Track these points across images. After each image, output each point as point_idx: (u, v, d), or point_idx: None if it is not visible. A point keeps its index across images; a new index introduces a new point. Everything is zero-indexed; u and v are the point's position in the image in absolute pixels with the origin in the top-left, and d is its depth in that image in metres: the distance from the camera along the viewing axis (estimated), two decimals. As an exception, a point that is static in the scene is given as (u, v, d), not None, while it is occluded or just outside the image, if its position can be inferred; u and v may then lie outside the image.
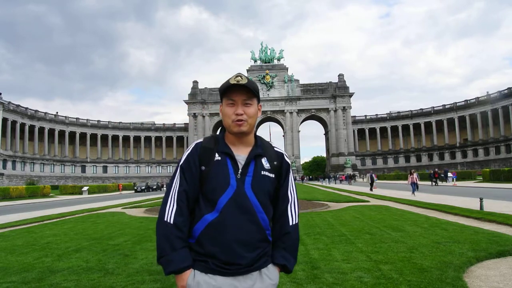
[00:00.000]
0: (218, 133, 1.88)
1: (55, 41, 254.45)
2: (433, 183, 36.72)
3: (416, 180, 23.13)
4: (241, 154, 1.75)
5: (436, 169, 41.14)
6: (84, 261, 6.25)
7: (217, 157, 1.72)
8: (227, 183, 1.68)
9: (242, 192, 1.67)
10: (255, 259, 1.67)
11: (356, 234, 8.05)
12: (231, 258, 1.63)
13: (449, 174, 43.96)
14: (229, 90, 1.73)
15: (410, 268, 5.05)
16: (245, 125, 1.73)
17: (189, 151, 1.76)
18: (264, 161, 1.77)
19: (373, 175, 30.33)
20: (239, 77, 1.72)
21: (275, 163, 1.79)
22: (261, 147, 1.80)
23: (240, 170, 1.71)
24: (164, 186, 55.43)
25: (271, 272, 1.75)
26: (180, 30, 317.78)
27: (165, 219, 1.67)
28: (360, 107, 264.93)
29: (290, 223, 1.81)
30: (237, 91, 1.72)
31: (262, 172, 1.73)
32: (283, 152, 1.87)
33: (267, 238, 1.74)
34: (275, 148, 1.87)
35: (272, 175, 1.76)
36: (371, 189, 27.98)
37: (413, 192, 22.17)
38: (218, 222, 1.65)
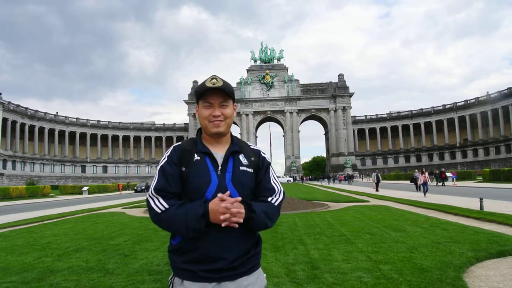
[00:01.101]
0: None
1: (55, 42, 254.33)
2: (439, 183, 35.76)
3: (428, 180, 21.86)
4: (219, 152, 1.80)
5: (443, 169, 39.62)
6: (84, 261, 6.25)
7: (196, 157, 1.77)
8: (209, 179, 1.71)
9: (224, 187, 1.70)
10: (240, 258, 1.69)
11: (356, 234, 8.05)
12: (215, 253, 1.65)
13: (449, 174, 44.09)
14: (205, 93, 1.78)
15: (410, 268, 5.05)
16: (223, 125, 1.78)
17: (168, 153, 1.81)
18: (241, 157, 1.82)
19: (379, 174, 29.81)
20: (215, 80, 1.77)
21: (252, 159, 1.84)
22: (237, 145, 1.86)
23: (219, 167, 1.75)
24: None
25: (261, 279, 1.78)
26: (179, 30, 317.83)
27: (158, 210, 1.69)
28: (360, 107, 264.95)
29: (275, 192, 1.82)
30: (213, 93, 1.78)
31: (240, 167, 1.78)
32: (259, 148, 1.94)
33: (253, 233, 1.78)
34: (251, 146, 1.93)
35: (250, 170, 1.80)
36: (376, 190, 27.20)
37: (424, 193, 20.42)
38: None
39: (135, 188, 55.38)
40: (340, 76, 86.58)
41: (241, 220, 1.62)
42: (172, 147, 1.84)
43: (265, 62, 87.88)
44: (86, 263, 6.06)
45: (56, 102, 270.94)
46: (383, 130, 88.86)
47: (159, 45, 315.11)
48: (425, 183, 21.34)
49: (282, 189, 1.89)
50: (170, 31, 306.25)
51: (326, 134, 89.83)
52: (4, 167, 63.76)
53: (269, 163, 1.92)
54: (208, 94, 1.78)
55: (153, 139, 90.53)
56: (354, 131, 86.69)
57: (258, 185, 1.84)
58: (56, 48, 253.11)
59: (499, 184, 32.94)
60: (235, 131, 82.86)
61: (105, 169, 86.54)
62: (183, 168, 1.74)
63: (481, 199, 12.43)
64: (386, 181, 55.03)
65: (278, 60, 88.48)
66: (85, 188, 48.76)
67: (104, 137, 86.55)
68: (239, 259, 1.68)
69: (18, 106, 69.06)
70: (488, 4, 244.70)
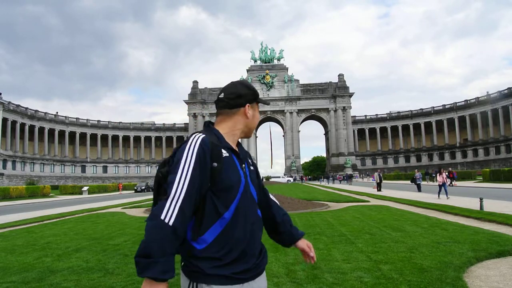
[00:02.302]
0: (204, 128, 1.78)
1: (54, 42, 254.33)
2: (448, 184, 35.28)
3: (446, 181, 19.27)
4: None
5: (450, 169, 38.07)
6: (84, 261, 6.25)
7: (225, 153, 1.66)
8: (240, 179, 1.67)
9: (248, 186, 1.71)
10: (260, 254, 1.73)
11: (356, 234, 8.05)
12: (247, 252, 1.62)
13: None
14: (260, 99, 1.85)
15: (410, 268, 5.05)
16: (251, 133, 1.90)
17: (198, 145, 1.58)
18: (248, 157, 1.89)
19: (381, 174, 29.42)
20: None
21: (252, 161, 1.91)
22: (241, 145, 1.90)
23: (243, 165, 1.75)
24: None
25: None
26: (178, 31, 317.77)
27: (163, 217, 1.46)
28: (360, 107, 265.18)
29: (281, 206, 2.03)
30: (262, 105, 1.92)
31: (251, 167, 1.83)
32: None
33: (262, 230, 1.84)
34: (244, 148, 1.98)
35: (255, 170, 1.87)
36: (379, 189, 26.88)
37: (446, 195, 17.96)
38: (235, 219, 1.60)
39: (135, 188, 55.41)
40: (340, 76, 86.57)
41: None
42: (198, 138, 1.61)
43: (265, 62, 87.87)
44: (86, 263, 6.06)
45: (55, 102, 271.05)
46: (383, 130, 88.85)
47: (158, 45, 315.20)
48: (444, 184, 18.65)
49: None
50: (169, 32, 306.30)
51: (326, 134, 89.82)
52: (4, 167, 63.76)
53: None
54: (261, 102, 1.87)
55: (153, 139, 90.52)
56: (354, 131, 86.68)
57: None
58: (55, 48, 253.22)
59: (499, 184, 32.94)
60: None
61: (105, 169, 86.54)
62: (215, 164, 1.59)
63: (481, 199, 12.43)
64: (386, 181, 54.94)
65: (278, 60, 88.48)
66: (85, 188, 48.77)
67: (104, 137, 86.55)
68: (261, 256, 1.72)
69: (18, 106, 69.06)
70: (487, 4, 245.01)
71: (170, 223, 1.45)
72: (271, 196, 2.01)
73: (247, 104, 1.78)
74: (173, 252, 1.48)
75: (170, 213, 1.47)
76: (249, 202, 1.69)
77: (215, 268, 1.53)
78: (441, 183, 18.81)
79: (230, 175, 1.62)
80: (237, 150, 1.76)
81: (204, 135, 1.64)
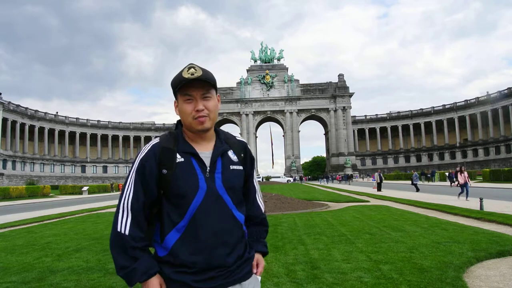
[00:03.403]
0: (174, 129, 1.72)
1: (53, 42, 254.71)
2: (453, 183, 32.74)
3: (468, 180, 17.63)
4: (205, 151, 1.62)
5: (457, 168, 36.81)
6: (84, 261, 6.25)
7: (179, 158, 1.56)
8: (196, 186, 1.53)
9: (214, 192, 1.54)
10: (237, 262, 1.58)
11: (356, 234, 8.05)
12: (214, 262, 1.51)
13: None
14: (184, 85, 1.56)
15: (410, 268, 5.04)
16: (208, 121, 1.59)
17: (144, 153, 1.57)
18: (231, 154, 1.66)
19: (381, 174, 29.25)
20: (193, 69, 1.55)
21: (242, 155, 1.69)
22: (225, 141, 1.68)
23: (208, 169, 1.57)
24: None
25: (254, 285, 1.65)
26: (177, 31, 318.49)
27: (119, 230, 1.51)
28: (359, 107, 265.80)
29: (263, 211, 1.82)
30: (193, 85, 1.55)
31: (231, 166, 1.62)
32: (245, 141, 1.78)
33: (244, 234, 1.67)
34: (238, 138, 1.76)
35: (240, 168, 1.66)
36: (379, 189, 26.77)
37: (466, 197, 16.72)
38: (193, 228, 1.51)
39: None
40: (340, 76, 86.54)
41: None
42: (149, 144, 1.60)
43: (265, 62, 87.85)
44: (86, 263, 6.06)
45: (55, 102, 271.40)
46: (383, 130, 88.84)
47: (157, 46, 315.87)
48: (466, 184, 17.12)
49: (258, 186, 1.86)
50: (168, 32, 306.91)
51: (326, 134, 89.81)
52: (4, 167, 63.74)
53: (253, 157, 1.78)
54: (187, 86, 1.55)
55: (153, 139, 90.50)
56: (354, 131, 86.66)
57: (245, 183, 1.73)
58: (55, 48, 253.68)
59: (499, 184, 32.93)
60: (235, 131, 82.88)
61: (105, 169, 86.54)
62: (164, 171, 1.53)
63: (481, 199, 12.43)
64: (386, 181, 54.91)
65: (278, 60, 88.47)
66: (85, 188, 48.79)
67: (104, 137, 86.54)
68: (234, 265, 1.58)
69: (18, 106, 69.04)
70: (486, 4, 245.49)
71: (126, 232, 1.51)
72: (259, 202, 1.80)
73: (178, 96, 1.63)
74: (143, 252, 1.53)
75: (123, 223, 1.52)
76: (213, 209, 1.54)
77: (176, 274, 1.51)
78: (462, 183, 17.26)
79: (182, 182, 1.52)
80: (196, 153, 1.58)
81: (157, 141, 1.61)
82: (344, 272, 4.99)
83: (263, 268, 1.76)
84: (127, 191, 1.55)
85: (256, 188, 1.80)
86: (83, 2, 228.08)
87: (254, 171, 1.80)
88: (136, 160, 1.58)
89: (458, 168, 35.48)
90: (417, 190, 25.82)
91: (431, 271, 4.84)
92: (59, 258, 6.59)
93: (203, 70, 1.57)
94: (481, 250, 6.00)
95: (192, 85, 1.56)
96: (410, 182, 27.44)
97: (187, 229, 1.52)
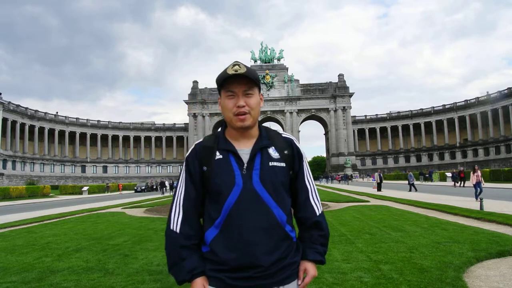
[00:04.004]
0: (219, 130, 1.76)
1: (53, 42, 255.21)
2: (457, 184, 32.20)
3: (482, 180, 16.91)
4: (244, 148, 1.62)
5: (462, 168, 34.36)
6: (84, 261, 6.25)
7: (218, 155, 1.60)
8: (232, 182, 1.55)
9: (250, 188, 1.54)
10: (276, 264, 1.53)
11: (356, 234, 8.04)
12: (247, 260, 1.50)
13: (449, 174, 44.38)
14: (227, 81, 1.58)
15: (410, 268, 5.04)
16: (248, 119, 1.59)
17: (189, 152, 1.67)
18: (272, 150, 1.63)
19: (381, 174, 29.25)
20: (237, 66, 1.57)
21: (285, 152, 1.64)
22: (266, 137, 1.66)
23: (245, 165, 1.58)
24: (154, 186, 54.91)
25: None
26: (177, 31, 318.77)
27: (171, 227, 1.60)
28: (359, 107, 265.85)
29: (317, 213, 1.70)
30: (236, 81, 1.58)
31: (270, 163, 1.59)
32: (292, 137, 1.72)
33: (288, 236, 1.59)
34: (283, 135, 1.72)
35: (282, 164, 1.62)
36: (379, 189, 26.73)
37: (477, 198, 15.56)
38: (228, 225, 1.53)
39: (135, 188, 55.41)
40: (340, 76, 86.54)
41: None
42: (193, 145, 1.68)
43: (265, 62, 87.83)
44: (86, 263, 6.06)
45: (55, 103, 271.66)
46: (383, 130, 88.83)
47: (157, 46, 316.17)
48: (478, 183, 16.45)
49: (315, 186, 1.74)
50: (168, 32, 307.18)
51: (326, 134, 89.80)
52: (4, 167, 63.72)
53: (302, 154, 1.71)
54: (230, 82, 1.58)
55: (153, 139, 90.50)
56: (354, 131, 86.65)
57: (293, 181, 1.68)
58: (55, 48, 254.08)
59: (499, 184, 32.91)
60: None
61: (105, 169, 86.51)
62: (204, 168, 1.60)
63: (481, 199, 12.43)
64: (386, 181, 54.96)
65: (278, 60, 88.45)
66: (85, 188, 48.80)
67: (104, 137, 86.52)
68: (271, 268, 1.53)
69: (18, 106, 69.04)
70: (485, 4, 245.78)
71: (178, 230, 1.59)
72: (312, 203, 1.70)
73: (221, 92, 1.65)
74: (193, 253, 1.58)
75: (175, 222, 1.60)
76: (250, 206, 1.53)
77: (212, 271, 1.55)
78: (475, 183, 16.59)
79: (219, 179, 1.56)
80: (234, 150, 1.60)
81: (200, 140, 1.69)
82: (344, 272, 4.99)
83: (311, 279, 1.62)
84: (179, 190, 1.64)
85: (309, 188, 1.71)
86: (83, 2, 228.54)
87: (306, 169, 1.72)
88: (185, 158, 1.68)
89: (461, 168, 35.10)
90: (414, 189, 25.82)
91: (431, 271, 4.84)
92: (59, 258, 6.59)
93: (247, 67, 1.59)
94: (481, 250, 6.00)
95: (234, 81, 1.58)
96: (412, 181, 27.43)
97: (223, 225, 1.55)
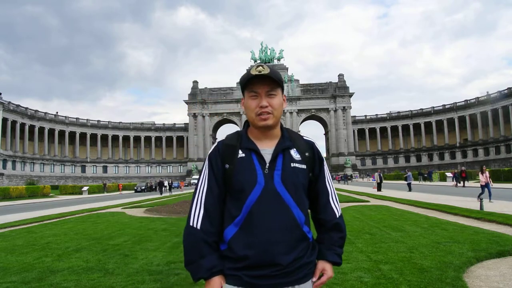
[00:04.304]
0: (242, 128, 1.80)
1: (53, 42, 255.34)
2: (459, 184, 31.69)
3: (490, 181, 16.46)
4: (266, 148, 1.64)
5: (463, 168, 33.73)
6: (84, 261, 6.25)
7: (241, 154, 1.63)
8: (254, 180, 1.57)
9: (271, 188, 1.56)
10: (294, 263, 1.54)
11: (356, 234, 8.04)
12: (266, 259, 1.51)
13: (449, 174, 44.45)
14: (250, 82, 1.62)
15: (410, 268, 5.04)
16: (271, 118, 1.61)
17: (211, 150, 1.69)
18: (293, 152, 1.65)
19: (381, 174, 29.19)
20: (261, 67, 1.60)
21: (306, 154, 1.67)
22: (289, 139, 1.68)
23: (267, 165, 1.60)
24: (154, 186, 54.76)
25: None
26: (177, 31, 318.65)
27: (191, 224, 1.60)
28: (359, 107, 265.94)
29: (337, 215, 1.71)
30: (259, 82, 1.61)
31: (292, 164, 1.62)
32: (313, 140, 1.75)
33: (306, 237, 1.61)
34: (305, 138, 1.75)
35: (303, 166, 1.64)
36: (379, 189, 26.68)
37: (490, 198, 15.49)
38: (249, 223, 1.55)
39: (135, 188, 55.39)
40: (340, 76, 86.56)
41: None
42: (215, 143, 1.71)
43: (265, 62, 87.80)
44: (86, 263, 6.06)
45: (55, 103, 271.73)
46: (383, 130, 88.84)
47: (157, 46, 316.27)
48: (487, 184, 15.91)
49: (334, 189, 1.76)
50: (168, 32, 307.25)
51: (326, 134, 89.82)
52: (4, 167, 63.74)
53: (322, 158, 1.73)
54: (254, 82, 1.61)
55: (153, 139, 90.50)
56: (354, 131, 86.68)
57: (313, 185, 1.70)
58: (55, 48, 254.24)
59: (499, 184, 32.89)
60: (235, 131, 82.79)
61: (105, 169, 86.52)
62: (227, 165, 1.62)
63: (481, 199, 12.42)
64: (386, 181, 54.96)
65: (278, 60, 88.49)
66: (85, 188, 48.78)
67: (104, 137, 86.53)
68: (288, 267, 1.54)
69: (18, 106, 69.04)
70: (485, 4, 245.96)
71: (198, 227, 1.59)
72: (332, 206, 1.72)
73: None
74: (212, 251, 1.58)
75: (196, 218, 1.61)
76: (270, 205, 1.55)
77: (230, 269, 1.56)
78: (484, 184, 15.99)
79: (241, 177, 1.58)
80: (257, 149, 1.62)
81: (223, 139, 1.72)
82: (344, 272, 4.99)
83: (327, 279, 1.62)
84: (201, 187, 1.64)
85: (329, 190, 1.73)
86: (83, 2, 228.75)
87: (327, 173, 1.74)
88: (206, 158, 1.70)
89: (463, 168, 34.79)
90: (409, 189, 25.88)
91: (431, 271, 4.84)
92: (59, 258, 6.59)
93: (270, 68, 1.61)
94: (481, 250, 6.00)
95: (258, 82, 1.61)
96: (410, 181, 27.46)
97: (243, 223, 1.56)
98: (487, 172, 16.58)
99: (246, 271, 1.53)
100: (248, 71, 1.62)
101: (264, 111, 1.60)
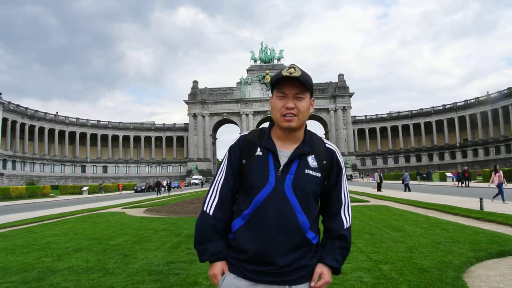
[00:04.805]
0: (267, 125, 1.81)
1: (52, 42, 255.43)
2: (462, 184, 30.90)
3: (504, 181, 15.81)
4: (285, 150, 1.66)
5: (466, 168, 32.51)
6: (84, 261, 6.25)
7: (259, 151, 1.66)
8: (266, 180, 1.60)
9: (280, 191, 1.59)
10: (290, 265, 1.57)
11: (356, 234, 8.03)
12: (264, 256, 1.56)
13: (449, 174, 44.46)
14: (280, 82, 1.63)
15: (410, 268, 5.04)
16: (295, 121, 1.62)
17: (233, 143, 1.74)
18: (310, 159, 1.65)
19: (381, 174, 29.13)
20: (292, 69, 1.60)
21: (324, 162, 1.66)
22: (309, 144, 1.68)
23: (281, 168, 1.62)
24: (152, 186, 54.44)
25: None
26: (176, 31, 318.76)
27: (205, 209, 1.69)
28: (359, 107, 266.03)
29: (345, 226, 1.70)
30: (288, 83, 1.61)
31: (306, 170, 1.63)
32: (335, 149, 1.73)
33: (309, 243, 1.62)
34: (327, 145, 1.72)
35: (318, 174, 1.64)
36: (379, 189, 26.63)
37: (504, 199, 14.81)
38: (254, 219, 1.60)
39: (135, 188, 55.35)
40: (340, 76, 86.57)
41: None
42: (237, 136, 1.77)
43: (265, 62, 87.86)
44: (86, 263, 6.05)
45: (54, 103, 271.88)
46: (383, 130, 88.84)
47: (156, 46, 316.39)
48: (500, 185, 15.11)
49: (349, 200, 1.74)
50: (167, 32, 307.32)
51: (326, 134, 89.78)
52: (4, 167, 63.75)
53: (341, 164, 1.71)
54: (283, 83, 1.62)
55: (153, 139, 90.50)
56: (354, 131, 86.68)
57: (327, 193, 1.70)
58: (54, 48, 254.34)
59: (499, 184, 32.76)
60: (235, 131, 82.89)
61: (105, 169, 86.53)
62: (244, 161, 1.67)
63: (481, 199, 12.41)
64: (386, 181, 54.97)
65: (278, 60, 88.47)
66: (85, 188, 48.76)
67: (104, 137, 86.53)
68: (285, 268, 1.57)
69: (18, 106, 69.05)
70: (484, 4, 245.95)
71: (211, 213, 1.67)
72: (343, 217, 1.71)
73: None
74: (220, 237, 1.66)
75: (210, 204, 1.69)
76: (277, 207, 1.57)
77: (232, 258, 1.64)
78: (498, 183, 15.23)
79: (254, 174, 1.63)
80: (274, 150, 1.65)
81: (246, 133, 1.77)
82: (344, 272, 4.99)
83: (325, 285, 1.61)
84: (219, 176, 1.72)
85: (344, 202, 1.72)
86: (82, 2, 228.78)
87: (344, 183, 1.73)
88: (227, 150, 1.76)
89: (465, 168, 33.78)
90: (408, 190, 25.82)
91: (431, 271, 4.84)
92: (59, 258, 6.59)
93: (302, 71, 1.62)
94: (481, 250, 6.00)
95: (287, 83, 1.62)
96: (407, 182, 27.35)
97: (249, 218, 1.62)
98: (501, 172, 15.93)
99: (245, 264, 1.59)
100: (280, 71, 1.64)
101: (289, 112, 1.61)
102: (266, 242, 1.56)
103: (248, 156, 1.67)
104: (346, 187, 1.75)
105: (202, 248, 1.65)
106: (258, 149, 1.66)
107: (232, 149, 1.72)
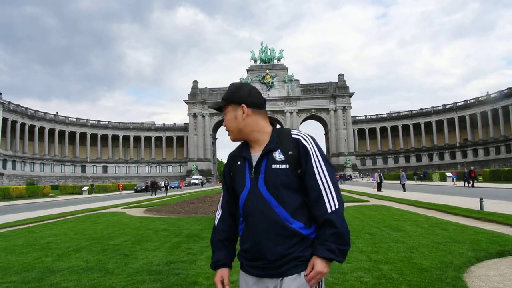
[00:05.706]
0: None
1: (52, 42, 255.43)
2: (469, 185, 29.67)
3: None
4: (256, 153, 1.79)
5: (472, 168, 31.68)
6: (84, 261, 6.25)
7: (238, 162, 1.84)
8: (243, 184, 1.77)
9: (255, 190, 1.72)
10: (280, 258, 1.65)
11: (356, 234, 8.03)
12: (256, 253, 1.71)
13: (449, 174, 44.44)
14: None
15: (410, 268, 5.04)
16: (231, 135, 1.84)
17: (226, 161, 1.99)
18: (277, 154, 1.71)
19: (381, 174, 29.03)
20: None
21: (290, 152, 1.70)
22: (275, 141, 1.73)
23: (253, 169, 1.76)
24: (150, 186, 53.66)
25: (297, 282, 1.64)
26: (176, 31, 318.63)
27: (214, 222, 1.94)
28: (359, 107, 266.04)
29: (329, 210, 1.63)
30: (220, 108, 1.86)
31: (273, 165, 1.70)
32: (301, 136, 1.74)
33: (296, 233, 1.65)
34: (293, 135, 1.74)
35: (285, 166, 1.68)
36: (379, 189, 26.56)
37: None
38: (246, 221, 1.77)
39: (135, 188, 55.32)
40: (340, 76, 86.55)
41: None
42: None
43: (265, 62, 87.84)
44: (86, 263, 6.06)
45: (54, 103, 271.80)
46: (383, 130, 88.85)
47: (156, 46, 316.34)
48: None
49: (330, 180, 1.67)
50: (166, 32, 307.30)
51: (326, 134, 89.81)
52: (4, 167, 63.74)
53: (309, 151, 1.70)
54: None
55: (153, 139, 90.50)
56: (354, 131, 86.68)
57: (303, 180, 1.70)
58: (54, 49, 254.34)
59: (499, 184, 32.88)
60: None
61: (105, 169, 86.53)
62: (231, 173, 1.89)
63: (481, 199, 12.40)
64: (386, 181, 54.95)
65: (278, 60, 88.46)
66: (85, 188, 48.76)
67: (104, 137, 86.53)
68: (276, 262, 1.68)
69: (18, 106, 69.05)
70: (484, 4, 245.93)
71: (215, 225, 1.93)
72: (325, 200, 1.65)
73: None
74: (221, 247, 1.87)
75: (216, 217, 1.94)
76: (256, 207, 1.71)
77: (242, 258, 1.81)
78: None
79: (237, 182, 1.83)
80: (247, 156, 1.80)
81: (232, 150, 1.97)
82: (344, 272, 4.99)
83: (318, 275, 1.61)
84: (221, 192, 1.98)
85: (321, 184, 1.66)
86: (82, 3, 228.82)
87: (316, 166, 1.68)
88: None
89: (471, 168, 32.28)
90: (403, 190, 25.78)
91: (431, 271, 4.84)
92: (59, 258, 6.59)
93: (226, 91, 1.86)
94: (481, 250, 5.99)
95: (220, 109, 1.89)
96: (407, 181, 27.30)
97: (243, 221, 1.79)
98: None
99: (246, 261, 1.78)
100: None
101: (226, 130, 1.86)
102: (256, 239, 1.70)
103: (233, 169, 1.86)
104: (323, 168, 1.69)
105: (211, 257, 1.90)
106: (238, 160, 1.84)
107: (224, 167, 1.97)
